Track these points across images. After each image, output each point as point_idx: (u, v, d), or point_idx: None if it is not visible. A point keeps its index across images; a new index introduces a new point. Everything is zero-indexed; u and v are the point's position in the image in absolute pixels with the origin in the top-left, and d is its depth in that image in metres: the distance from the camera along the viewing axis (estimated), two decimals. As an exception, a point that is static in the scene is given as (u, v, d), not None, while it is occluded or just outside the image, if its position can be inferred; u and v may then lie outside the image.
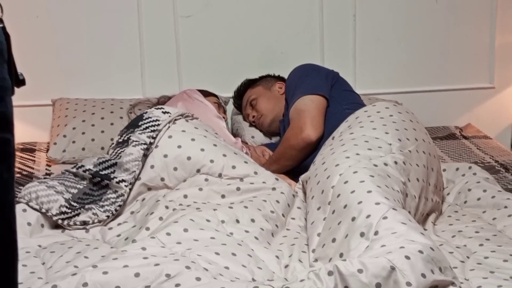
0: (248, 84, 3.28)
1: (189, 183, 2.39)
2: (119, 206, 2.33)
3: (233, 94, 3.35)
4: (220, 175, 2.40)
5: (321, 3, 3.55)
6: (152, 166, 2.41)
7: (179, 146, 2.43)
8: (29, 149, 3.27)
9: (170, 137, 2.45)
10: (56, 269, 1.93)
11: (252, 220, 2.19)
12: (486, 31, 3.70)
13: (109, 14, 3.43)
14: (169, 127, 2.49)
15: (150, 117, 2.50)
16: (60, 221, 2.26)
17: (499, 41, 3.70)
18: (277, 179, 2.46)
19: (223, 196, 2.34)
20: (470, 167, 2.69)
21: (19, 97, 3.22)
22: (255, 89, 3.20)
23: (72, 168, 2.44)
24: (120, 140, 2.48)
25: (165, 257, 1.85)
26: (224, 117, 3.07)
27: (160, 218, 2.18)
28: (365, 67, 3.65)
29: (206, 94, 3.15)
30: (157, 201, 2.30)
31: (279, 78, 3.23)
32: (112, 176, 2.37)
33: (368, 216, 1.87)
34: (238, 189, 2.37)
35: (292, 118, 2.80)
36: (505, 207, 2.38)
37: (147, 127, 2.46)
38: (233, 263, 1.90)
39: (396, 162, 2.20)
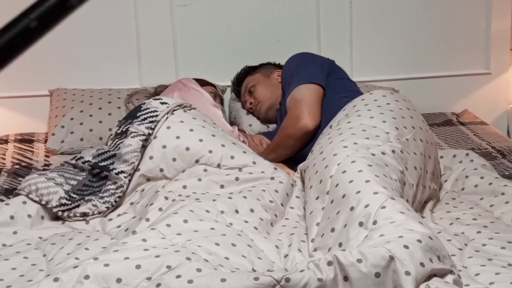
0: (248, 71, 3.28)
1: (188, 174, 2.40)
2: (119, 197, 2.34)
3: (233, 80, 3.36)
4: (218, 165, 2.41)
5: (317, -10, 3.55)
6: (151, 157, 2.41)
7: (178, 137, 2.43)
8: (28, 140, 3.27)
9: (168, 128, 2.46)
10: (57, 261, 1.95)
11: (251, 210, 2.20)
12: (482, 16, 3.70)
13: (106, 3, 3.42)
14: (167, 117, 2.49)
15: (149, 108, 2.50)
16: (60, 213, 2.27)
17: (495, 26, 3.70)
18: (275, 169, 2.46)
19: (222, 186, 2.35)
20: (467, 154, 2.70)
21: (16, 87, 3.29)
22: (254, 76, 3.21)
23: (71, 159, 2.45)
24: (119, 131, 2.48)
25: (165, 249, 1.86)
26: (220, 107, 3.07)
27: (160, 209, 2.18)
28: (361, 55, 3.65)
29: (203, 83, 3.14)
30: (157, 192, 2.30)
31: (279, 66, 3.22)
32: (111, 168, 2.37)
33: (366, 206, 1.89)
34: (237, 179, 2.38)
35: (289, 107, 2.80)
36: (502, 193, 2.39)
37: (145, 118, 2.46)
38: (233, 253, 1.91)
39: (393, 151, 2.21)
